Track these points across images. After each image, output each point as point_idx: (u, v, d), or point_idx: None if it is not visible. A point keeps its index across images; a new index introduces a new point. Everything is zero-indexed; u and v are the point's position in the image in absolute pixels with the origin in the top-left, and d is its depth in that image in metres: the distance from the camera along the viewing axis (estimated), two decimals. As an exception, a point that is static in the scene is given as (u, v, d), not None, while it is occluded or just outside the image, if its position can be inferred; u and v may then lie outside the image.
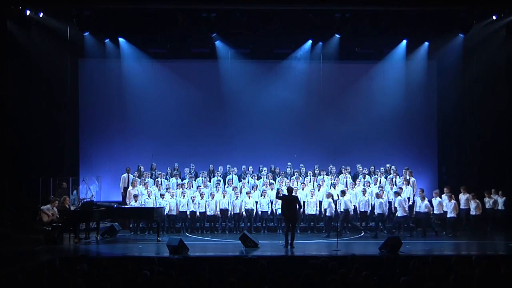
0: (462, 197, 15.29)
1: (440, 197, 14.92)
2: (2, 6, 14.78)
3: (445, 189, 15.18)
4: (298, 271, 7.61)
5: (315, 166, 16.66)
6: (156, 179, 16.06)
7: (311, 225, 15.37)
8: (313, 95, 18.21)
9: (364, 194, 15.17)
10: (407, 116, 18.27)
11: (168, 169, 16.71)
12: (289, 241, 12.67)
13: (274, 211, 15.21)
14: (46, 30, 16.44)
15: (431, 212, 14.72)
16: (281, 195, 13.69)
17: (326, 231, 14.71)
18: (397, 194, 14.77)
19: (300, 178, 16.03)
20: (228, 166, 16.77)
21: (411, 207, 15.06)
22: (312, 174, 16.35)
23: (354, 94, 18.38)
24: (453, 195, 14.92)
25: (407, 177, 15.82)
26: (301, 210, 14.41)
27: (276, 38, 17.42)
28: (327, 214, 14.68)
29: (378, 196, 14.87)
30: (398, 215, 14.63)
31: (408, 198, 15.16)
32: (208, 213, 15.18)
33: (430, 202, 14.85)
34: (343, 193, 14.72)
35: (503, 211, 15.57)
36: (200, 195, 15.27)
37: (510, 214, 15.59)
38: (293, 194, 13.36)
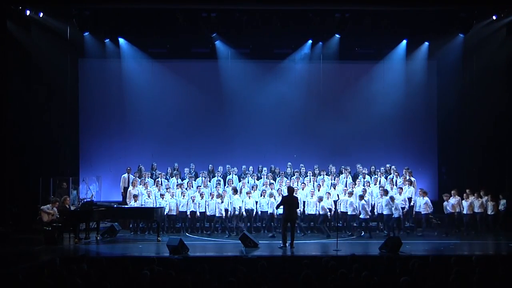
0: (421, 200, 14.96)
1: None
2: (2, 6, 14.78)
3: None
4: (298, 271, 7.61)
5: (315, 166, 16.66)
6: (156, 179, 16.06)
7: (311, 225, 15.35)
8: (313, 95, 18.21)
9: (364, 194, 15.13)
10: (407, 116, 18.26)
11: (168, 169, 16.71)
12: (288, 241, 12.67)
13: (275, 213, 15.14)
14: (46, 30, 16.44)
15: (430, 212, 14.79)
16: (281, 197, 13.58)
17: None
18: (391, 197, 14.78)
19: (300, 178, 16.03)
20: (228, 166, 16.76)
21: (411, 207, 15.09)
22: (312, 174, 16.35)
23: (354, 94, 18.37)
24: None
25: (407, 177, 15.82)
26: (300, 211, 14.34)
27: (276, 38, 17.42)
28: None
29: (361, 198, 14.75)
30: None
31: (409, 198, 15.17)
32: (208, 213, 15.16)
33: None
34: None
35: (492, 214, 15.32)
36: (200, 195, 15.25)
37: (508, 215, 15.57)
38: (294, 194, 13.36)
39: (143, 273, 7.54)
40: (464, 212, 14.92)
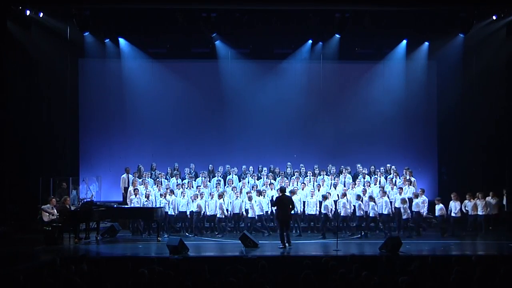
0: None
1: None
2: (2, 6, 14.78)
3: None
4: (298, 271, 7.61)
5: (315, 166, 16.66)
6: (156, 179, 16.05)
7: (311, 225, 15.35)
8: (313, 95, 18.21)
9: (364, 194, 15.13)
10: (407, 116, 18.27)
11: (168, 169, 16.71)
12: (286, 242, 12.68)
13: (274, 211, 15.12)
14: (46, 30, 16.42)
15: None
16: (274, 199, 13.31)
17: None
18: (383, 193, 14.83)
19: (300, 178, 16.02)
20: (228, 166, 16.77)
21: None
22: (312, 174, 16.35)
23: (354, 94, 18.38)
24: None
25: (407, 177, 15.82)
26: (294, 211, 13.87)
27: (276, 38, 17.45)
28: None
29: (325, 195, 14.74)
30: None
31: (409, 199, 15.15)
32: (208, 213, 15.14)
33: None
34: (343, 195, 14.70)
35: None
36: (200, 195, 15.22)
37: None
38: (287, 194, 13.26)
39: (140, 271, 7.52)
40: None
